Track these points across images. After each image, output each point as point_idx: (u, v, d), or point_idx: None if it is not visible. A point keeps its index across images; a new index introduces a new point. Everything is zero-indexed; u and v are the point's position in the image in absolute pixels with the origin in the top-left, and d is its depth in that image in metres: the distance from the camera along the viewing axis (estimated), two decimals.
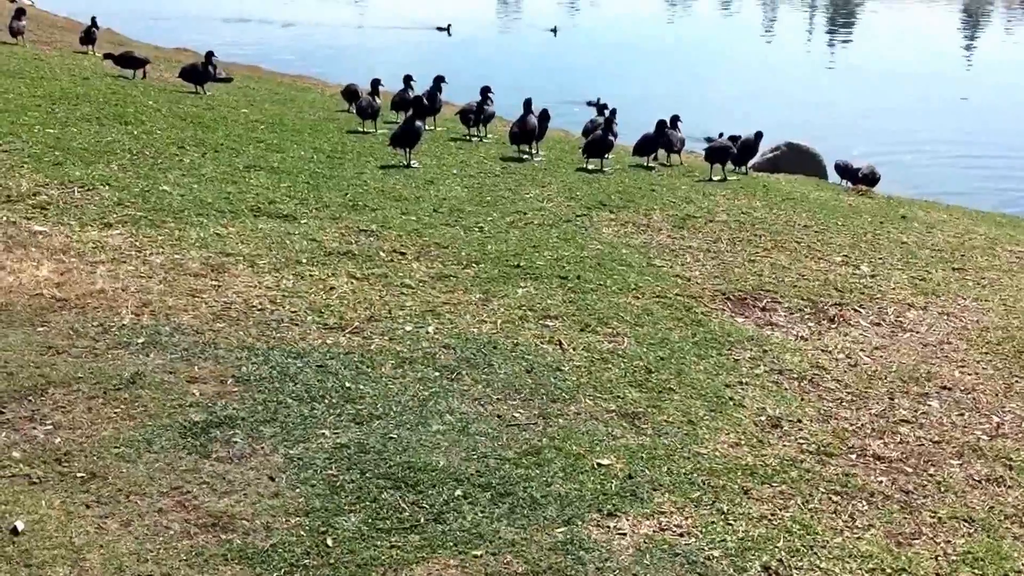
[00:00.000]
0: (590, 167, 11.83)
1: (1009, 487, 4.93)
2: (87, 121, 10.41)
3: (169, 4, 33.61)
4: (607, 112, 12.95)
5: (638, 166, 12.48)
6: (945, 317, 7.51)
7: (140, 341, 5.58)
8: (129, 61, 14.47)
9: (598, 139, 11.92)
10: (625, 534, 4.26)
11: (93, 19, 17.15)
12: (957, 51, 35.18)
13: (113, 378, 5.14)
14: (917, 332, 7.15)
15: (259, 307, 6.24)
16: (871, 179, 13.88)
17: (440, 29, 32.05)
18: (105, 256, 6.76)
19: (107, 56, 14.61)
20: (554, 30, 32.96)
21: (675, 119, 13.10)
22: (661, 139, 12.64)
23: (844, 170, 14.34)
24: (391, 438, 4.86)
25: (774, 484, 4.77)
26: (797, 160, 15.63)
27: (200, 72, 13.68)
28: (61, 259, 6.63)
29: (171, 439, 4.68)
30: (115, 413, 4.84)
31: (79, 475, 4.34)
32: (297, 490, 4.38)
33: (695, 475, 4.78)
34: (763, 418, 5.48)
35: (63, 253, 6.74)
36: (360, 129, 12.51)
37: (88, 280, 6.31)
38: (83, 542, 3.93)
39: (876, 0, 51.47)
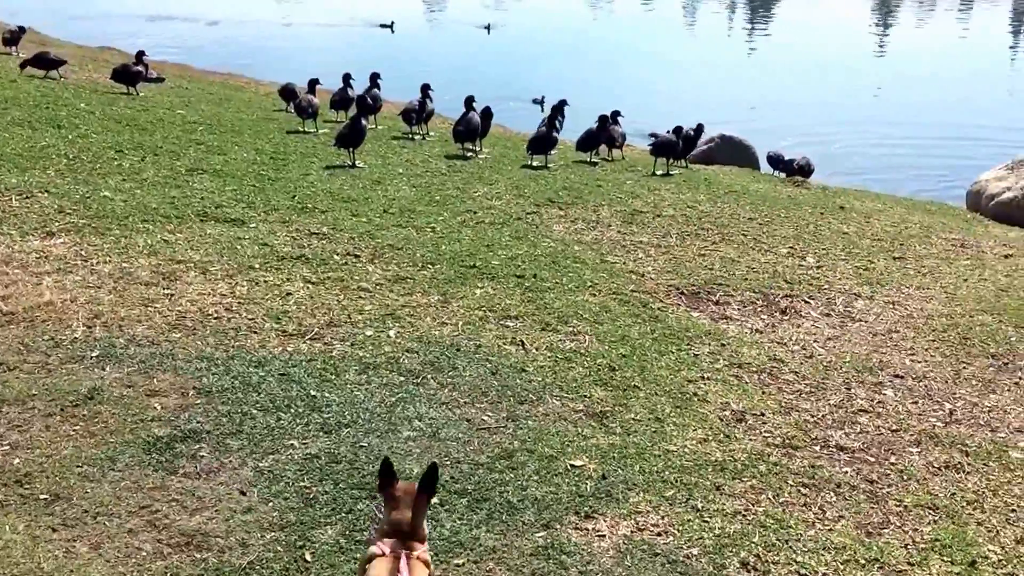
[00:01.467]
0: (535, 164, 11.84)
1: (967, 473, 5.05)
2: (19, 126, 10.10)
3: (92, 3, 32.80)
4: (548, 109, 13.03)
5: (581, 161, 12.52)
6: (891, 306, 7.66)
7: (94, 354, 5.42)
8: (44, 62, 13.96)
9: (542, 136, 11.94)
10: (604, 536, 4.27)
11: (20, 27, 16.61)
12: (871, 42, 35.98)
13: (69, 394, 4.99)
14: (866, 321, 7.28)
15: (215, 315, 6.11)
16: (806, 170, 14.15)
17: (383, 26, 31.80)
18: (50, 266, 6.56)
19: (24, 64, 14.01)
20: (487, 27, 32.88)
21: (615, 114, 13.21)
22: (603, 134, 12.73)
23: (776, 161, 14.60)
24: (361, 447, 4.80)
25: (744, 479, 4.82)
26: (730, 152, 15.88)
27: (132, 72, 13.35)
28: (4, 271, 6.41)
29: (135, 456, 4.56)
30: (74, 431, 4.71)
31: (42, 497, 4.21)
32: (270, 504, 4.30)
33: (667, 473, 4.81)
34: (727, 413, 5.53)
35: (6, 264, 6.52)
36: (300, 129, 12.35)
37: (35, 292, 6.11)
38: (52, 567, 3.81)
39: None
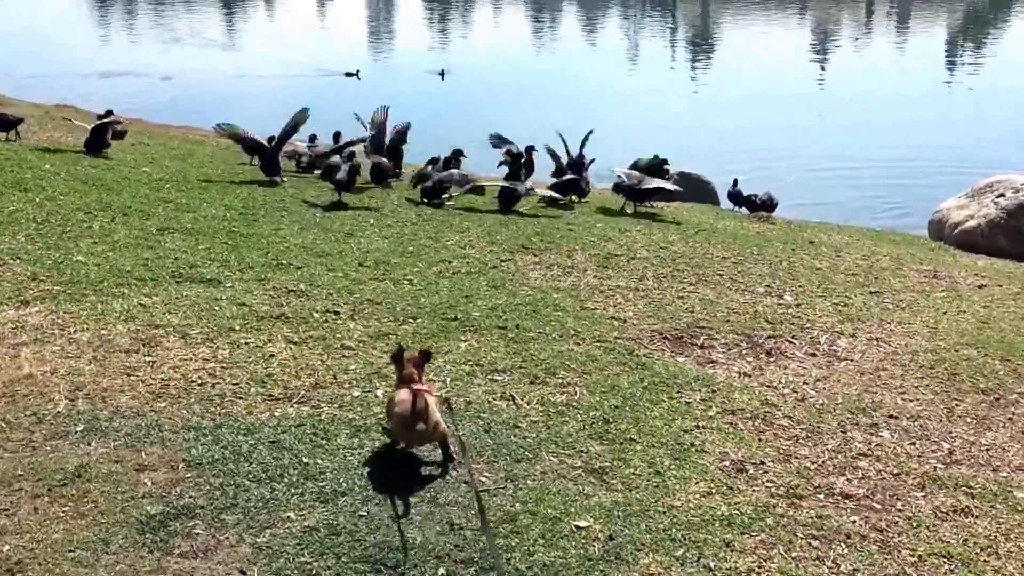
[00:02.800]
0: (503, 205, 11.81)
1: (976, 517, 5.02)
2: None
3: (44, 62, 32.52)
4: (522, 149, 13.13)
5: (549, 205, 12.51)
6: (875, 343, 7.67)
7: (79, 429, 5.25)
8: (3, 123, 13.70)
9: (509, 192, 11.96)
10: None
11: None
12: (811, 69, 36.63)
13: (56, 473, 4.81)
14: (852, 360, 7.28)
15: (199, 382, 5.96)
16: (770, 205, 14.23)
17: (349, 75, 31.75)
18: (27, 337, 6.36)
19: None
20: (441, 73, 32.92)
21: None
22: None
23: (736, 197, 14.68)
24: (361, 516, 4.67)
25: (753, 533, 4.75)
26: (689, 188, 15.97)
27: (102, 137, 13.01)
28: None
29: (128, 536, 4.39)
30: (64, 512, 4.53)
31: None
32: None
33: (674, 530, 4.72)
34: (727, 463, 5.47)
35: None
36: (268, 182, 12.24)
37: (13, 365, 5.92)
38: None
39: (731, 22, 53.26)
